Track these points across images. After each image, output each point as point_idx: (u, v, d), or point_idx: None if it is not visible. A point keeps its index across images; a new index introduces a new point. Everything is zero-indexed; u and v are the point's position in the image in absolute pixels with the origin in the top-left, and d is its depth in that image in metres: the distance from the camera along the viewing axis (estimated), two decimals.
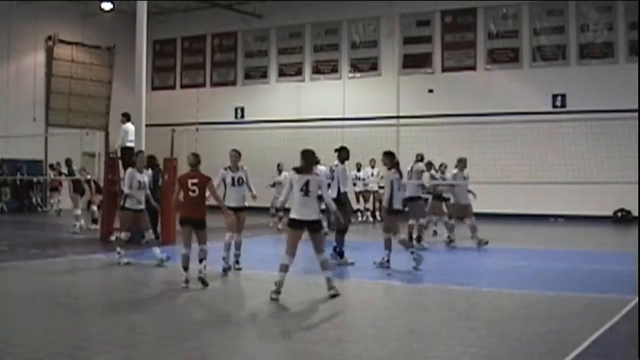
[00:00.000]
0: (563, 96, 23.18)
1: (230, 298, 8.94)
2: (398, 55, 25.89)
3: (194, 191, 9.58)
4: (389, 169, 11.37)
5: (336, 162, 12.27)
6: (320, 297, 8.97)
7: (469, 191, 15.36)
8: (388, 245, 11.34)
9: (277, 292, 8.49)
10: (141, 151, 13.22)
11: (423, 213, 14.38)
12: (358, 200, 21.97)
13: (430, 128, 19.50)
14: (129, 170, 11.94)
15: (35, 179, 25.89)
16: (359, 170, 21.99)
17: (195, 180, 9.62)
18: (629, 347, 6.18)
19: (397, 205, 11.33)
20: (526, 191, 21.31)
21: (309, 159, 8.86)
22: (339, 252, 11.93)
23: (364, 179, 22.11)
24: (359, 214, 21.80)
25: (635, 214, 20.64)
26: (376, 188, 22.47)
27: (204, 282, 9.40)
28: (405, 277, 10.64)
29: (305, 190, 8.60)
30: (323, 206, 9.23)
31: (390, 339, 6.84)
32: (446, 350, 6.35)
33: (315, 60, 27.48)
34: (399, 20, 25.94)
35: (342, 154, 12.26)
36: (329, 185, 10.64)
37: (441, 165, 16.13)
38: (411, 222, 14.15)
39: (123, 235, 11.68)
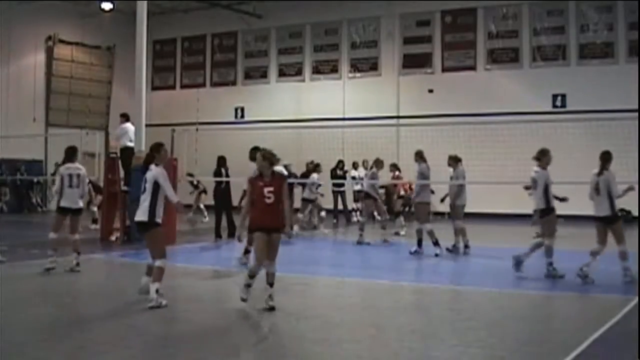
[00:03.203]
0: (563, 96, 23.16)
1: (230, 299, 8.92)
2: (398, 55, 25.87)
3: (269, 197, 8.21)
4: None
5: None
6: (320, 297, 8.96)
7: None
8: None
9: None
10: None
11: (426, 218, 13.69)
12: (357, 200, 21.90)
13: (430, 128, 19.47)
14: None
15: (35, 179, 25.88)
16: (355, 169, 21.91)
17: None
18: (629, 347, 6.18)
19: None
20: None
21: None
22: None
23: (361, 179, 22.00)
24: (354, 213, 21.77)
25: (635, 214, 20.61)
26: None
27: None
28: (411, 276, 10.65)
29: None
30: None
31: (390, 339, 6.84)
32: (446, 350, 6.34)
33: (315, 60, 27.47)
34: (399, 20, 25.92)
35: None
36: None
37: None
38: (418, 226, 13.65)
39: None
